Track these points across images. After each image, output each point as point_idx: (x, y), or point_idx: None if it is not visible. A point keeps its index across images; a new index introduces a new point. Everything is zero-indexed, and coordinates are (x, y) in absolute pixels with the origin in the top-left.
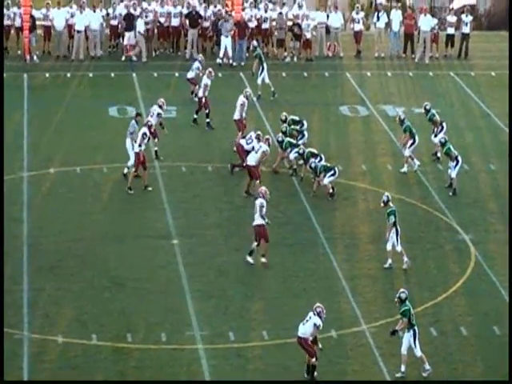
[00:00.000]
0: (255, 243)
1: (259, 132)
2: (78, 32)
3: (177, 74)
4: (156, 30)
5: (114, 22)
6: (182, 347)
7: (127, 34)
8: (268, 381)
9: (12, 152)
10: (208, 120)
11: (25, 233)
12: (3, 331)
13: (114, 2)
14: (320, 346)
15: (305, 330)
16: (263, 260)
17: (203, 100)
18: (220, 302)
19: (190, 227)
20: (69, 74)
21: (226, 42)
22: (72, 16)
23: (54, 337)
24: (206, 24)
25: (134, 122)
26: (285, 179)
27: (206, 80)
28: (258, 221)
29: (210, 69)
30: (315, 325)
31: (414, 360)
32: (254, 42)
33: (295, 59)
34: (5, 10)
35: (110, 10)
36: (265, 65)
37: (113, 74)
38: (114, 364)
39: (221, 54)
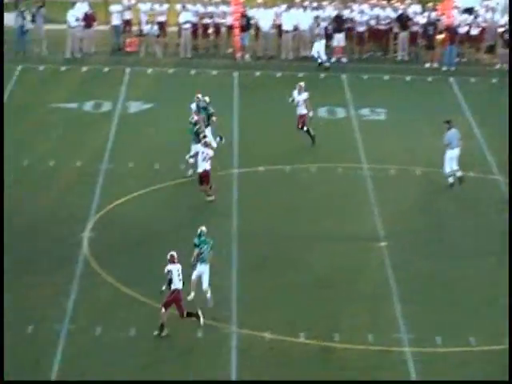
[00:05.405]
0: None
1: None
2: (287, 32)
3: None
4: None
5: None
6: (388, 349)
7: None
8: (265, 381)
9: (221, 150)
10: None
11: (234, 229)
12: (3, 331)
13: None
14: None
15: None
16: None
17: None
18: (427, 306)
19: (398, 230)
20: (279, 74)
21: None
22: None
23: (262, 333)
24: (415, 28)
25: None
26: None
27: (302, 96)
28: None
29: (302, 83)
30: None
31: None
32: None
33: None
34: (213, 9)
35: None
36: None
37: None
38: (320, 363)
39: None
